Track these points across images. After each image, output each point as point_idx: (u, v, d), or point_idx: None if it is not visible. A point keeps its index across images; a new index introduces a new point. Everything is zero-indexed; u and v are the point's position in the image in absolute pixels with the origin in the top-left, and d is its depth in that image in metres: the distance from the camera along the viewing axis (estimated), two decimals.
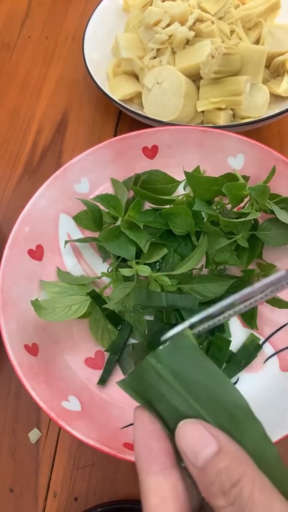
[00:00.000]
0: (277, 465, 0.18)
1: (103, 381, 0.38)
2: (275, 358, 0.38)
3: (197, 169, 0.44)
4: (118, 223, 0.41)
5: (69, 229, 0.45)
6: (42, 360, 0.37)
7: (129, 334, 0.40)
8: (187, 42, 0.53)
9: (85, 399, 0.37)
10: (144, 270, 0.38)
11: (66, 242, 0.44)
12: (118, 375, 0.39)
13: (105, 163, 0.45)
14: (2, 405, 0.42)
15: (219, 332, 0.39)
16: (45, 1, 0.74)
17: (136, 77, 0.57)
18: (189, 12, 0.53)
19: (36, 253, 0.42)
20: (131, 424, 0.35)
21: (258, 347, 0.39)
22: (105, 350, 0.40)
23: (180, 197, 0.43)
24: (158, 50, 0.54)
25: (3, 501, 0.39)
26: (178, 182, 0.44)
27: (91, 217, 0.42)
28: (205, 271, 0.42)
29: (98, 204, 0.41)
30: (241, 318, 0.40)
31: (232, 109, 0.51)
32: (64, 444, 0.40)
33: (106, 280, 0.42)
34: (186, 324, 0.21)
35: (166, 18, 0.53)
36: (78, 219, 0.44)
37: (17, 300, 0.39)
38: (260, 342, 0.39)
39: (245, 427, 0.19)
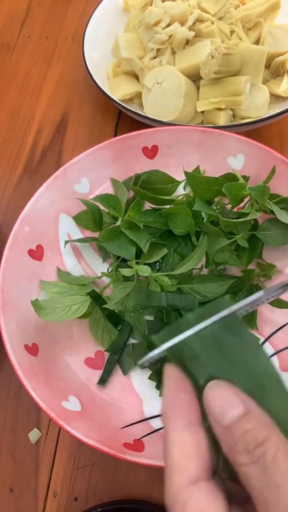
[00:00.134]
0: None
1: (103, 381, 0.38)
2: (275, 358, 0.38)
3: (197, 169, 0.44)
4: (118, 223, 0.41)
5: (69, 229, 0.45)
6: (42, 360, 0.37)
7: (129, 334, 0.40)
8: (187, 42, 0.53)
9: (85, 399, 0.37)
10: (144, 270, 0.38)
11: (66, 242, 0.44)
12: (118, 375, 0.39)
13: (105, 163, 0.45)
14: (2, 405, 0.42)
15: None
16: (45, 1, 0.74)
17: (136, 77, 0.57)
18: (189, 12, 0.53)
19: (36, 253, 0.42)
20: (131, 424, 0.35)
21: None
22: (105, 350, 0.40)
23: (180, 197, 0.43)
24: (158, 50, 0.54)
25: (3, 501, 0.39)
26: (178, 182, 0.44)
27: (91, 217, 0.42)
28: (205, 271, 0.42)
29: (98, 204, 0.41)
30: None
31: (232, 109, 0.51)
32: (64, 444, 0.40)
33: (106, 280, 0.42)
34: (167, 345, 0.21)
35: (166, 18, 0.53)
36: (78, 219, 0.44)
37: (17, 300, 0.39)
38: (260, 342, 0.39)
39: (273, 397, 0.19)
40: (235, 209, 0.40)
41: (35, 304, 0.36)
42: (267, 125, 0.56)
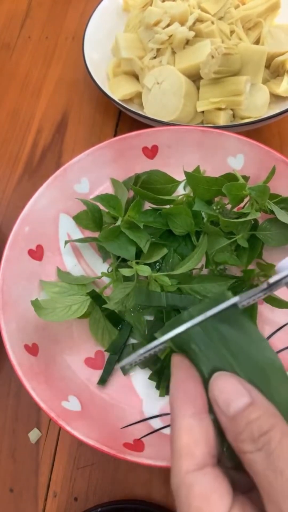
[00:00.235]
0: None
1: (103, 381, 0.38)
2: None
3: (197, 169, 0.44)
4: (118, 223, 0.41)
5: (69, 229, 0.45)
6: (42, 360, 0.37)
7: (129, 334, 0.40)
8: (187, 42, 0.53)
9: (85, 399, 0.37)
10: (144, 270, 0.38)
11: (66, 242, 0.44)
12: (118, 375, 0.39)
13: (105, 163, 0.45)
14: (2, 405, 0.42)
15: None
16: (45, 1, 0.74)
17: (136, 77, 0.57)
18: (189, 12, 0.53)
19: (36, 253, 0.42)
20: (131, 424, 0.35)
21: None
22: (105, 350, 0.40)
23: (180, 197, 0.43)
24: (158, 50, 0.54)
25: (3, 501, 0.39)
26: (178, 182, 0.44)
27: (91, 217, 0.42)
28: (205, 271, 0.42)
29: (98, 204, 0.41)
30: None
31: (232, 109, 0.51)
32: (64, 444, 0.40)
33: (106, 280, 0.42)
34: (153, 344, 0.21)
35: (166, 18, 0.53)
36: (78, 219, 0.44)
37: (17, 300, 0.39)
38: None
39: (277, 386, 0.19)
40: (235, 209, 0.40)
41: (35, 304, 0.36)
42: (267, 125, 0.56)
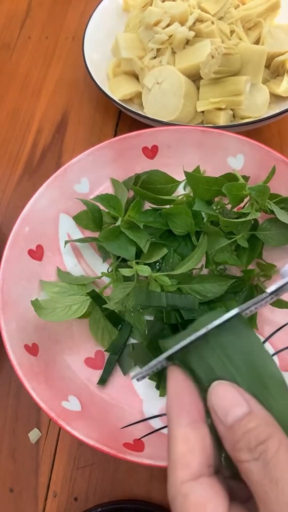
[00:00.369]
0: None
1: (103, 381, 0.38)
2: (275, 358, 0.38)
3: (197, 169, 0.44)
4: (118, 223, 0.41)
5: (69, 229, 0.45)
6: (42, 360, 0.37)
7: (129, 334, 0.40)
8: (187, 42, 0.53)
9: (85, 399, 0.37)
10: (144, 270, 0.38)
11: (66, 242, 0.44)
12: (118, 375, 0.39)
13: (105, 163, 0.45)
14: (2, 405, 0.42)
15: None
16: (45, 1, 0.74)
17: (136, 77, 0.57)
18: (189, 12, 0.53)
19: (36, 253, 0.42)
20: (131, 424, 0.35)
21: None
22: (105, 350, 0.40)
23: (180, 197, 0.43)
24: (158, 50, 0.54)
25: (3, 501, 0.39)
26: (178, 182, 0.44)
27: (91, 217, 0.42)
28: (205, 271, 0.42)
29: (98, 204, 0.41)
30: None
31: (232, 109, 0.51)
32: (64, 444, 0.40)
33: (106, 280, 0.42)
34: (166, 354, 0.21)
35: (166, 18, 0.53)
36: (78, 219, 0.44)
37: (17, 300, 0.39)
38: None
39: (276, 397, 0.19)
40: (235, 209, 0.40)
41: (35, 304, 0.36)
42: (267, 125, 0.56)
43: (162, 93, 0.51)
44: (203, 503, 0.17)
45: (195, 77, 0.52)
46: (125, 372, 0.39)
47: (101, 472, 0.39)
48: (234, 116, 0.52)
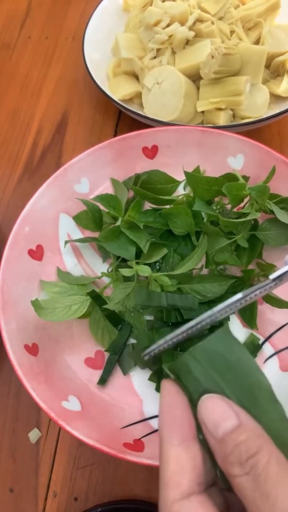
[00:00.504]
0: None
1: (103, 381, 0.38)
2: (275, 358, 0.38)
3: (197, 169, 0.44)
4: (118, 223, 0.41)
5: (69, 229, 0.45)
6: (42, 360, 0.37)
7: (129, 334, 0.40)
8: (187, 42, 0.53)
9: (85, 399, 0.37)
10: (144, 270, 0.38)
11: (66, 242, 0.44)
12: (118, 375, 0.39)
13: (105, 163, 0.45)
14: (2, 405, 0.42)
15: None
16: (45, 1, 0.74)
17: (136, 77, 0.57)
18: (189, 12, 0.53)
19: (36, 253, 0.42)
20: (131, 424, 0.35)
21: (258, 347, 0.39)
22: (105, 350, 0.40)
23: (180, 197, 0.43)
24: (158, 50, 0.54)
25: (3, 501, 0.39)
26: (178, 182, 0.44)
27: (91, 217, 0.42)
28: (205, 271, 0.42)
29: (98, 204, 0.41)
30: (241, 318, 0.40)
31: (232, 109, 0.51)
32: (64, 444, 0.40)
33: (106, 280, 0.42)
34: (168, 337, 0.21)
35: (166, 18, 0.53)
36: (78, 219, 0.44)
37: (17, 300, 0.39)
38: (260, 342, 0.39)
39: (265, 407, 0.19)
40: (235, 209, 0.40)
41: (35, 304, 0.36)
42: (267, 125, 0.56)
43: (162, 93, 0.51)
44: None
45: (195, 77, 0.52)
46: (125, 372, 0.39)
47: (101, 472, 0.39)
48: (234, 116, 0.52)
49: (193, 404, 0.20)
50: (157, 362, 0.37)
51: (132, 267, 0.39)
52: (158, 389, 0.38)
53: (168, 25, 0.53)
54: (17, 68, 0.66)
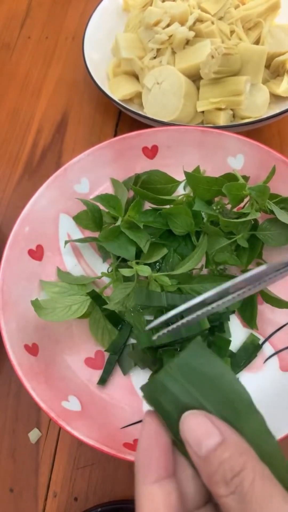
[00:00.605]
0: (277, 457, 0.18)
1: (103, 381, 0.38)
2: (275, 358, 0.38)
3: (197, 169, 0.44)
4: (118, 223, 0.41)
5: (69, 229, 0.45)
6: (42, 360, 0.37)
7: (129, 334, 0.40)
8: (187, 42, 0.53)
9: (85, 399, 0.37)
10: (144, 270, 0.38)
11: (66, 242, 0.44)
12: (118, 375, 0.39)
13: (105, 163, 0.45)
14: (2, 405, 0.42)
15: (219, 332, 0.39)
16: (45, 1, 0.74)
17: (136, 77, 0.57)
18: (189, 12, 0.53)
19: (36, 253, 0.42)
20: (131, 424, 0.35)
21: (258, 347, 0.39)
22: (105, 350, 0.40)
23: (180, 197, 0.43)
24: (158, 50, 0.54)
25: (3, 501, 0.39)
26: (178, 182, 0.44)
27: (91, 217, 0.42)
28: (205, 271, 0.42)
29: (98, 204, 0.41)
30: (241, 318, 0.40)
31: (232, 109, 0.51)
32: (64, 444, 0.40)
33: (106, 280, 0.42)
34: (173, 312, 0.21)
35: (166, 18, 0.53)
36: (78, 219, 0.44)
37: (17, 300, 0.39)
38: (260, 342, 0.39)
39: (246, 419, 0.19)
40: (235, 209, 0.40)
41: (35, 304, 0.36)
42: (267, 125, 0.56)
43: (162, 93, 0.51)
44: None
45: (195, 77, 0.52)
46: (125, 372, 0.39)
47: (101, 472, 0.39)
48: (234, 116, 0.52)
49: (174, 422, 0.20)
50: (157, 362, 0.38)
51: (132, 267, 0.39)
52: None
53: (168, 25, 0.53)
54: (17, 68, 0.66)
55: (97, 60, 0.57)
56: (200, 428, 0.18)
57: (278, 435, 0.31)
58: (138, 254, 0.40)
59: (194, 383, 0.20)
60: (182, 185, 0.45)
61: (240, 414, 0.19)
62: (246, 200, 0.39)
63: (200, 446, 0.18)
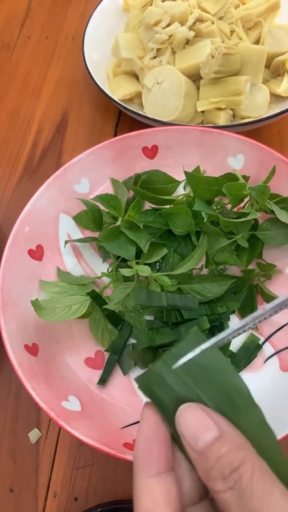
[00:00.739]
0: (276, 451, 0.18)
1: (103, 381, 0.38)
2: (275, 358, 0.38)
3: (197, 169, 0.44)
4: (118, 223, 0.41)
5: (69, 229, 0.45)
6: (42, 360, 0.37)
7: (129, 334, 0.40)
8: (187, 42, 0.53)
9: (85, 399, 0.37)
10: (144, 270, 0.38)
11: (66, 242, 0.44)
12: (118, 375, 0.39)
13: (105, 163, 0.45)
14: (2, 405, 0.42)
15: (219, 332, 0.39)
16: (45, 1, 0.74)
17: (136, 77, 0.57)
18: (189, 12, 0.53)
19: (36, 253, 0.42)
20: (131, 424, 0.35)
21: (258, 347, 0.39)
22: (105, 350, 0.40)
23: (180, 197, 0.43)
24: (158, 50, 0.54)
25: (3, 501, 0.39)
26: (178, 182, 0.44)
27: (91, 217, 0.42)
28: (205, 271, 0.42)
29: (98, 204, 0.41)
30: (241, 318, 0.40)
31: (232, 109, 0.51)
32: (64, 444, 0.40)
33: (106, 280, 0.42)
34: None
35: (166, 18, 0.53)
36: (78, 219, 0.44)
37: (17, 300, 0.39)
38: (260, 342, 0.39)
39: (245, 413, 0.19)
40: (235, 209, 0.40)
41: (35, 304, 0.36)
42: (267, 125, 0.56)
43: (162, 93, 0.51)
44: None
45: (195, 77, 0.52)
46: (125, 372, 0.39)
47: (101, 472, 0.39)
48: (234, 116, 0.52)
49: (170, 415, 0.19)
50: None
51: (132, 267, 0.39)
52: None
53: (168, 25, 0.53)
54: (17, 68, 0.66)
55: (97, 60, 0.57)
56: (197, 422, 0.18)
57: (278, 435, 0.31)
58: (138, 254, 0.40)
59: (192, 374, 0.19)
60: (182, 185, 0.45)
61: (238, 408, 0.19)
62: (246, 200, 0.39)
63: (196, 440, 0.18)
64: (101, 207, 0.42)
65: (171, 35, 0.53)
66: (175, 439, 0.20)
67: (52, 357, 0.38)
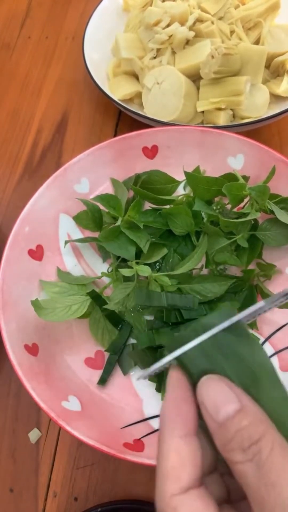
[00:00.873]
0: None
1: (103, 381, 0.38)
2: (275, 358, 0.38)
3: (197, 169, 0.44)
4: (118, 223, 0.41)
5: (69, 229, 0.45)
6: (42, 360, 0.37)
7: (129, 334, 0.40)
8: (187, 42, 0.53)
9: (85, 399, 0.37)
10: (144, 270, 0.38)
11: (66, 242, 0.44)
12: (118, 375, 0.39)
13: (105, 163, 0.45)
14: (2, 405, 0.42)
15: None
16: (45, 1, 0.74)
17: (136, 77, 0.57)
18: (189, 12, 0.53)
19: (36, 253, 0.42)
20: (131, 424, 0.35)
21: None
22: (105, 350, 0.40)
23: (180, 197, 0.43)
24: (158, 50, 0.54)
25: (3, 501, 0.39)
26: (178, 182, 0.44)
27: (91, 217, 0.42)
28: (205, 271, 0.42)
29: (98, 204, 0.41)
30: None
31: (232, 109, 0.51)
32: (64, 444, 0.40)
33: (106, 280, 0.42)
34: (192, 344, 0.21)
35: (166, 18, 0.53)
36: (78, 219, 0.44)
37: (17, 300, 0.39)
38: (260, 342, 0.39)
39: (267, 389, 0.19)
40: (235, 209, 0.40)
41: (35, 304, 0.37)
42: (267, 125, 0.56)
43: (162, 93, 0.51)
44: None
45: (195, 77, 0.52)
46: (125, 372, 0.39)
47: (101, 472, 0.39)
48: (234, 116, 0.52)
49: (192, 383, 0.19)
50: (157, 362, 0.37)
51: (132, 267, 0.39)
52: (158, 389, 0.38)
53: (168, 25, 0.53)
54: (17, 68, 0.66)
55: (97, 60, 0.57)
56: (219, 394, 0.18)
57: None
58: (138, 254, 0.40)
59: (219, 347, 0.19)
60: (182, 185, 0.45)
61: (261, 384, 0.19)
62: (246, 200, 0.39)
63: (217, 412, 0.18)
64: (101, 207, 0.42)
65: (171, 35, 0.53)
66: None
67: (52, 357, 0.38)
